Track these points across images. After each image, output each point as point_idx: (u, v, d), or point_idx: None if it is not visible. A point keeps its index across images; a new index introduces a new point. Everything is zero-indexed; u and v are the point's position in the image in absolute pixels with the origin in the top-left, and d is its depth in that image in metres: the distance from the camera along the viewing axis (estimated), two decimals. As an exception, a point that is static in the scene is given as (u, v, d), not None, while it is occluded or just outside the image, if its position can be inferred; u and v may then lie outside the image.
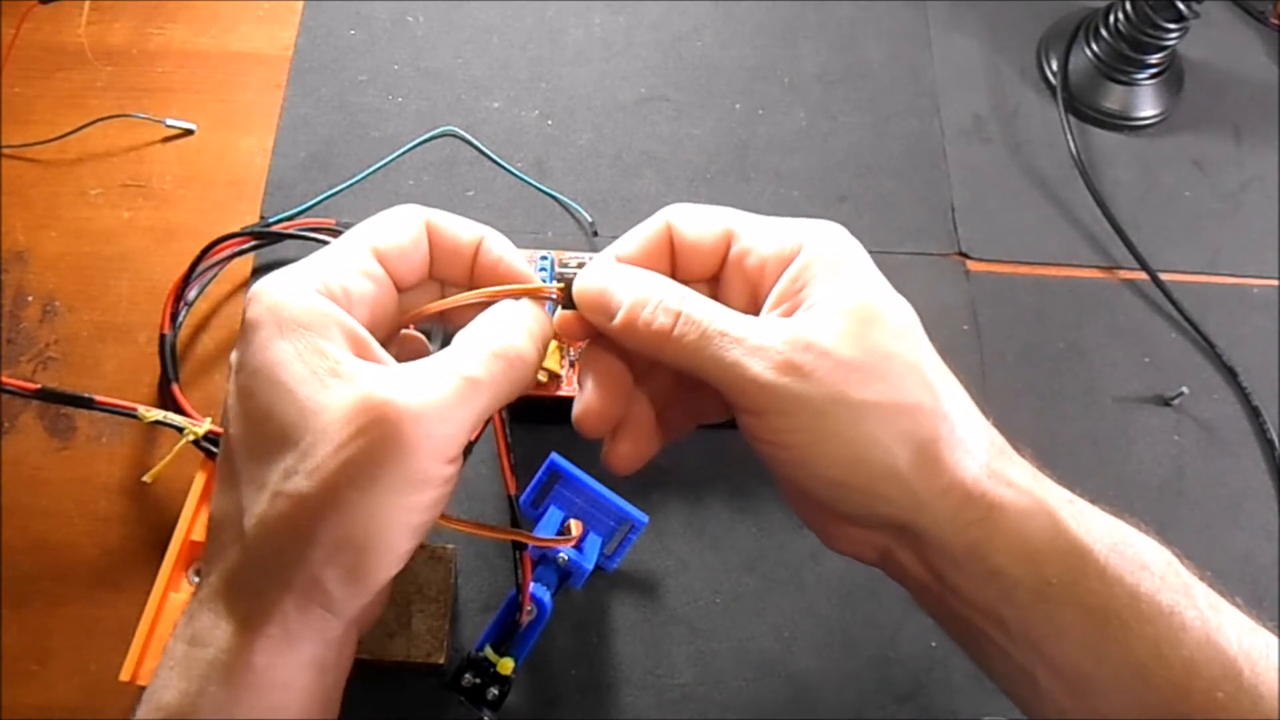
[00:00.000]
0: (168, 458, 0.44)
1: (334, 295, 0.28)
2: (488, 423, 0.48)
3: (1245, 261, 0.58)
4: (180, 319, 0.50)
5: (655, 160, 0.58)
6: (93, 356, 0.49)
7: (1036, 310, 0.55)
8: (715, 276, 0.32)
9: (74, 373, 0.49)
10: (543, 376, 0.46)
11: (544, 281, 0.41)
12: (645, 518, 0.42)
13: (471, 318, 0.30)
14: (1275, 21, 0.66)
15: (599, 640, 0.45)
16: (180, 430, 0.44)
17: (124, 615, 0.42)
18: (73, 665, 0.43)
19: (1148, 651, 0.28)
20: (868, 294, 0.30)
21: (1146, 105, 0.61)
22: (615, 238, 0.33)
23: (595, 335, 0.32)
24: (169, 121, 0.55)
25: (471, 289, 0.32)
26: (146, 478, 0.46)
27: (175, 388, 0.47)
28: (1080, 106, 0.62)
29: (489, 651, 0.39)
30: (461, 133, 0.57)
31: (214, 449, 0.44)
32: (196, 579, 0.43)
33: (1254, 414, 0.53)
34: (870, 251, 0.31)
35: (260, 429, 0.27)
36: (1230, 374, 0.54)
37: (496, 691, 0.39)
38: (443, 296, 0.32)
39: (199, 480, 0.44)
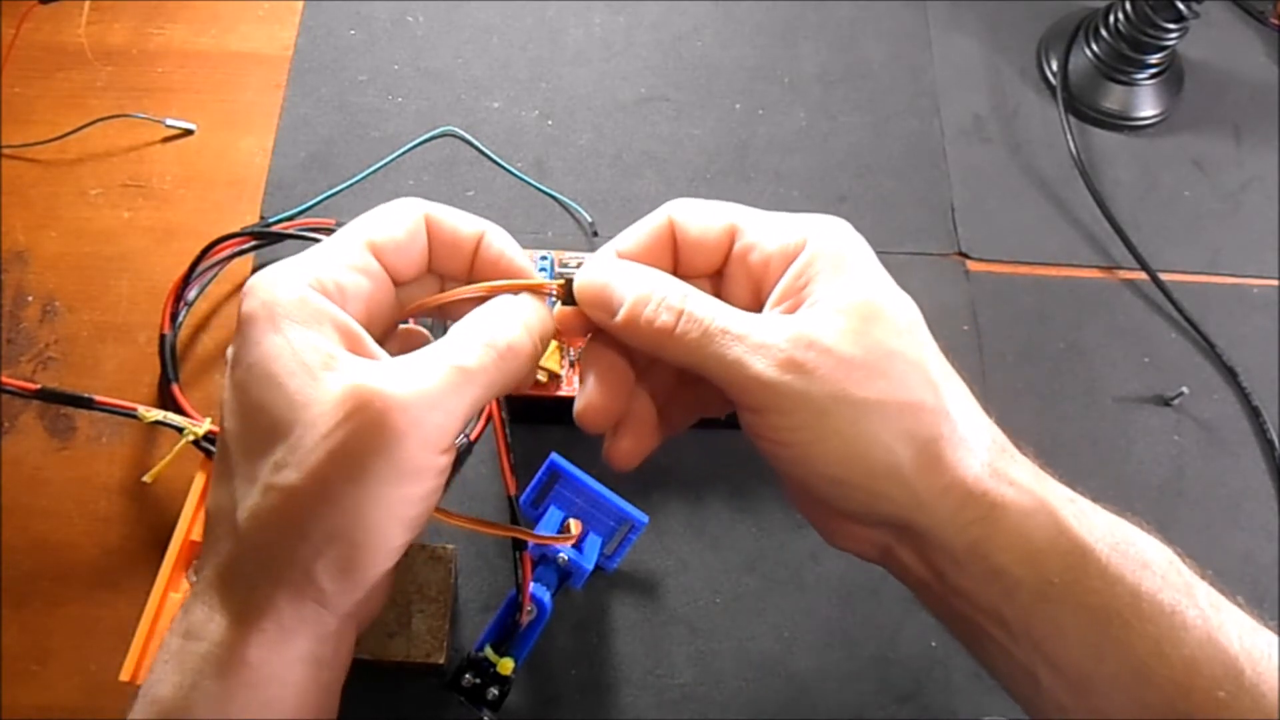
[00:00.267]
0: (168, 458, 0.44)
1: (327, 290, 0.28)
2: (488, 422, 0.48)
3: (1245, 261, 0.58)
4: (180, 319, 0.50)
5: (655, 160, 0.57)
6: (93, 356, 0.49)
7: (1036, 310, 0.55)
8: (718, 272, 0.32)
9: (74, 373, 0.49)
10: (542, 376, 0.46)
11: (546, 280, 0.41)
12: (645, 518, 0.42)
13: (469, 311, 0.30)
14: (1275, 21, 0.66)
15: (599, 640, 0.45)
16: (180, 430, 0.44)
17: (124, 615, 0.42)
18: (73, 665, 0.43)
19: (1149, 650, 0.28)
20: (870, 291, 0.29)
21: (1146, 105, 0.61)
22: (615, 237, 0.33)
23: (596, 331, 0.32)
24: (169, 121, 0.55)
25: (471, 284, 0.32)
26: (146, 478, 0.46)
27: (175, 388, 0.47)
28: (1080, 106, 0.62)
29: (489, 651, 0.39)
30: (461, 133, 0.57)
31: (214, 449, 0.44)
32: (195, 578, 0.43)
33: (1254, 414, 0.53)
34: (870, 252, 0.31)
35: (253, 423, 0.27)
36: (1230, 374, 0.54)
37: (496, 691, 0.39)
38: (442, 291, 0.32)
39: (199, 480, 0.44)
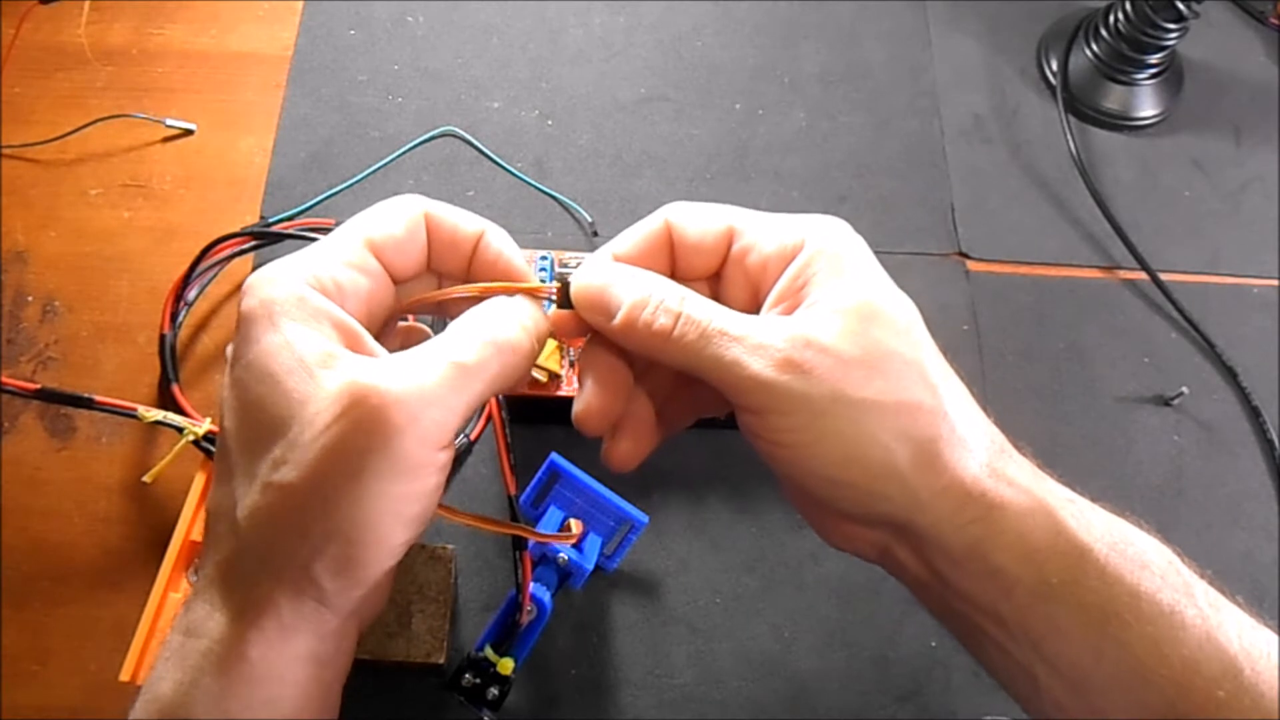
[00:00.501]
0: (168, 458, 0.44)
1: (326, 288, 0.28)
2: (488, 422, 0.48)
3: (1245, 261, 0.58)
4: (180, 319, 0.50)
5: (655, 160, 0.57)
6: (93, 356, 0.49)
7: (1036, 310, 0.55)
8: (716, 274, 0.32)
9: (74, 373, 0.49)
10: (543, 376, 0.46)
11: (543, 281, 0.41)
12: (645, 518, 0.42)
13: (466, 310, 0.30)
14: (1275, 21, 0.66)
15: (599, 640, 0.45)
16: (180, 430, 0.44)
17: (124, 615, 0.42)
18: (73, 665, 0.43)
19: (1148, 650, 0.28)
20: (869, 291, 0.29)
21: (1146, 105, 0.61)
22: (611, 241, 0.33)
23: (594, 333, 0.32)
24: (169, 121, 0.55)
25: (469, 284, 0.32)
26: (146, 478, 0.46)
27: (175, 388, 0.47)
28: (1080, 106, 0.62)
29: (489, 651, 0.39)
30: (461, 133, 0.57)
31: (214, 449, 0.44)
32: (196, 579, 0.43)
33: (1254, 414, 0.53)
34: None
35: (252, 421, 0.27)
36: (1230, 374, 0.54)
37: (496, 691, 0.39)
38: (440, 289, 0.32)
39: (199, 480, 0.44)
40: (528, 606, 0.38)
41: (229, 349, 0.28)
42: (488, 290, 0.31)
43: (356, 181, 0.54)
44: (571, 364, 0.46)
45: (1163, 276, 0.56)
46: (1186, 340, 0.55)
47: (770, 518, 0.48)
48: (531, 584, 0.39)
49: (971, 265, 0.56)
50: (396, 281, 0.31)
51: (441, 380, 0.27)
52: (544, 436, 0.45)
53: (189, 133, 0.56)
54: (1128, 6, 0.59)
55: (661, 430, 0.33)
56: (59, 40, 0.58)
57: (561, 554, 0.40)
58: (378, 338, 0.29)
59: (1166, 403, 0.53)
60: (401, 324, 0.33)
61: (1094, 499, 0.31)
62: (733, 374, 0.28)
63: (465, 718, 0.40)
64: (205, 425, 0.44)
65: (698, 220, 0.31)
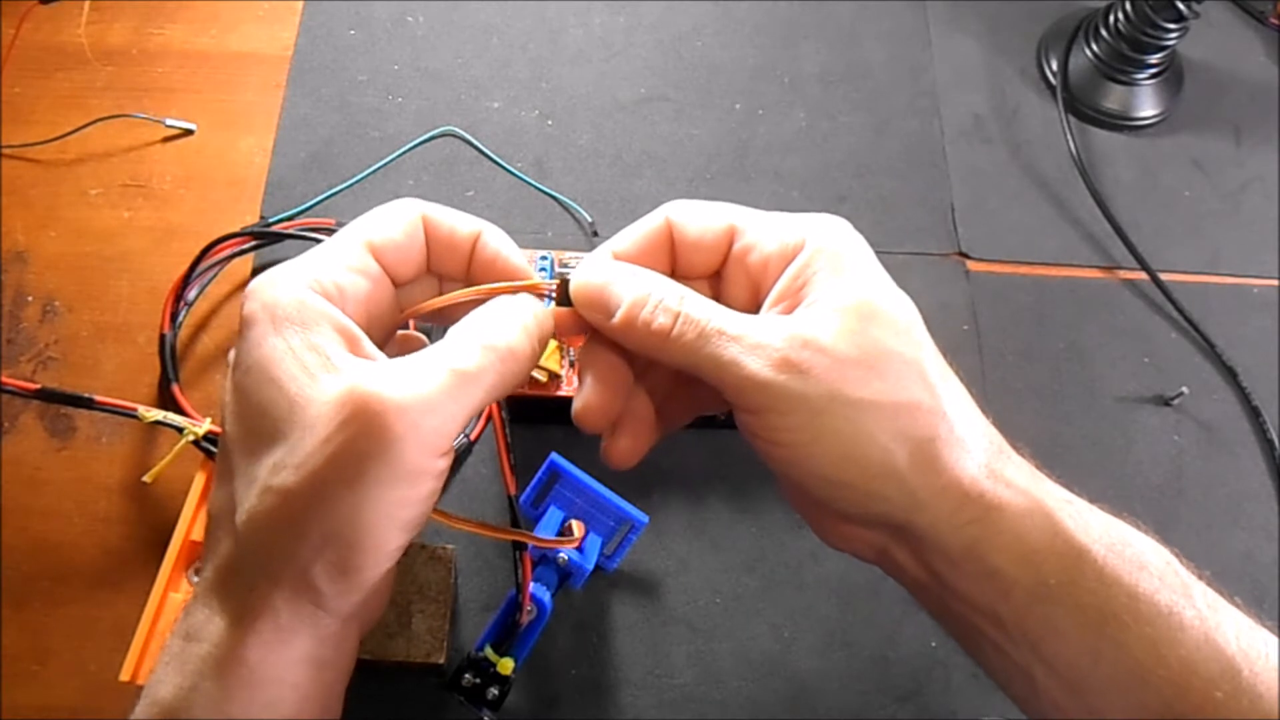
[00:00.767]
0: (168, 458, 0.44)
1: (327, 292, 0.28)
2: (488, 422, 0.48)
3: (1245, 261, 0.58)
4: (180, 319, 0.50)
5: (655, 160, 0.57)
6: (93, 356, 0.49)
7: (1036, 310, 0.55)
8: (717, 273, 0.32)
9: (74, 373, 0.49)
10: (542, 376, 0.46)
11: (543, 280, 0.41)
12: (645, 518, 0.42)
13: (468, 314, 0.30)
14: (1275, 21, 0.66)
15: (599, 640, 0.45)
16: (180, 430, 0.44)
17: (124, 615, 0.42)
18: (73, 665, 0.43)
19: (1146, 652, 0.28)
20: (868, 291, 0.29)
21: (1146, 105, 0.61)
22: (611, 238, 0.32)
23: (594, 331, 0.32)
24: (169, 121, 0.55)
25: (469, 284, 0.32)
26: (146, 478, 0.46)
27: (175, 388, 0.47)
28: (1080, 106, 0.62)
29: (489, 651, 0.39)
30: (461, 133, 0.57)
31: (214, 449, 0.44)
32: (196, 579, 0.43)
33: (1254, 414, 0.53)
34: (870, 252, 0.31)
35: (253, 424, 0.27)
36: (1230, 374, 0.54)
37: (496, 691, 0.39)
38: (440, 291, 0.32)
39: (199, 480, 0.44)
40: (528, 606, 0.38)
41: (231, 353, 0.28)
42: (490, 292, 0.31)
43: (356, 181, 0.54)
44: (571, 364, 0.46)
45: (1163, 276, 0.56)
46: (1186, 340, 0.55)
47: (770, 518, 0.48)
48: (531, 584, 0.39)
49: (971, 265, 0.56)
50: (397, 284, 0.31)
51: (442, 387, 0.27)
52: (544, 436, 0.45)
53: (189, 133, 0.56)
54: (1128, 6, 0.59)
55: (661, 428, 0.33)
56: (59, 40, 0.58)
57: (561, 554, 0.40)
58: (378, 341, 0.29)
59: (1166, 403, 0.53)
60: (399, 333, 0.33)
61: (1094, 499, 0.31)
62: (731, 373, 0.28)
63: (465, 718, 0.40)
64: (205, 425, 0.44)
65: (698, 219, 0.31)
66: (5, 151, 0.54)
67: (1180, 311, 0.55)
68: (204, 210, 0.54)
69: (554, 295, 0.31)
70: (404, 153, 0.56)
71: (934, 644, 0.46)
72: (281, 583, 0.26)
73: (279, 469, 0.26)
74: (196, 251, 0.49)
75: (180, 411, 0.45)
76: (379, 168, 0.55)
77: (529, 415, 0.47)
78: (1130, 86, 0.61)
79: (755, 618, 0.46)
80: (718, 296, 0.32)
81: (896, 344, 0.29)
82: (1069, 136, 0.59)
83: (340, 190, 0.54)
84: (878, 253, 0.31)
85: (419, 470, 0.26)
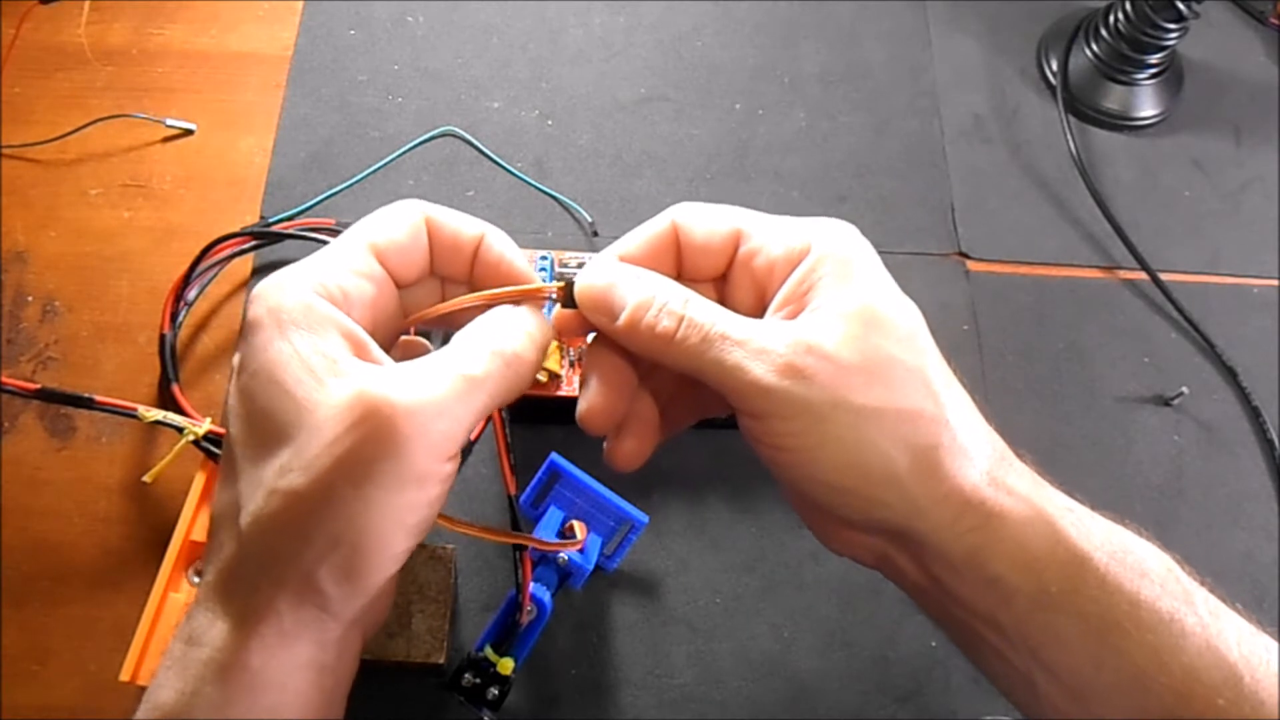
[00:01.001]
0: (168, 458, 0.44)
1: (331, 296, 0.28)
2: (488, 422, 0.48)
3: (1245, 261, 0.58)
4: (180, 319, 0.50)
5: (655, 160, 0.58)
6: (93, 356, 0.49)
7: (1036, 310, 0.55)
8: (722, 276, 0.32)
9: (74, 373, 0.49)
10: (542, 376, 0.46)
11: (544, 281, 0.41)
12: (645, 518, 0.42)
13: (472, 319, 0.30)
14: (1275, 21, 0.66)
15: (599, 640, 0.45)
16: (180, 430, 0.44)
17: (124, 615, 0.42)
18: (73, 665, 0.43)
19: (1148, 659, 0.28)
20: (872, 297, 0.29)
21: (1146, 105, 0.61)
22: (615, 238, 0.33)
23: (599, 333, 0.32)
24: (169, 121, 0.55)
25: (472, 286, 0.32)
26: (146, 478, 0.46)
27: (175, 388, 0.47)
28: (1080, 106, 0.62)
29: (489, 651, 0.39)
30: (461, 133, 0.57)
31: (214, 449, 0.44)
32: (196, 579, 0.43)
33: (1254, 414, 0.53)
34: (869, 252, 0.31)
35: (259, 428, 0.27)
36: (1230, 374, 0.54)
37: (496, 691, 0.39)
38: (444, 294, 0.32)
39: (199, 480, 0.44)
40: (528, 606, 0.38)
41: (235, 358, 0.28)
42: (495, 298, 0.31)
43: (356, 181, 0.54)
44: (572, 364, 0.46)
45: (1163, 276, 0.56)
46: (1186, 340, 0.55)
47: (770, 518, 0.48)
48: (531, 584, 0.39)
49: (971, 265, 0.56)
50: (400, 286, 0.31)
51: (450, 392, 0.27)
52: (544, 436, 0.45)
53: (189, 133, 0.56)
54: (1128, 6, 0.59)
55: (665, 430, 0.33)
56: (59, 40, 0.58)
57: (562, 554, 0.40)
58: (383, 344, 0.29)
59: (1166, 403, 0.53)
60: (404, 339, 0.33)
61: (1094, 499, 0.31)
62: (734, 378, 0.28)
63: (465, 718, 0.40)
64: (205, 425, 0.44)
65: (705, 222, 0.31)
66: (5, 151, 0.54)
67: (1180, 311, 0.55)
68: (204, 210, 0.54)
69: (558, 298, 0.31)
70: (404, 153, 0.56)
71: (934, 644, 0.46)
72: (285, 586, 0.26)
73: (285, 471, 0.26)
74: (196, 251, 0.49)
75: (180, 411, 0.45)
76: (379, 168, 0.55)
77: (529, 415, 0.47)
78: (1130, 86, 0.61)
79: (755, 618, 0.46)
80: (723, 300, 0.32)
81: (900, 351, 0.29)
82: (1069, 136, 0.59)
83: (340, 190, 0.54)
84: (878, 252, 0.31)
85: (426, 474, 0.26)
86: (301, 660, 0.27)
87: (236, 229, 0.51)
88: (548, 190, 0.55)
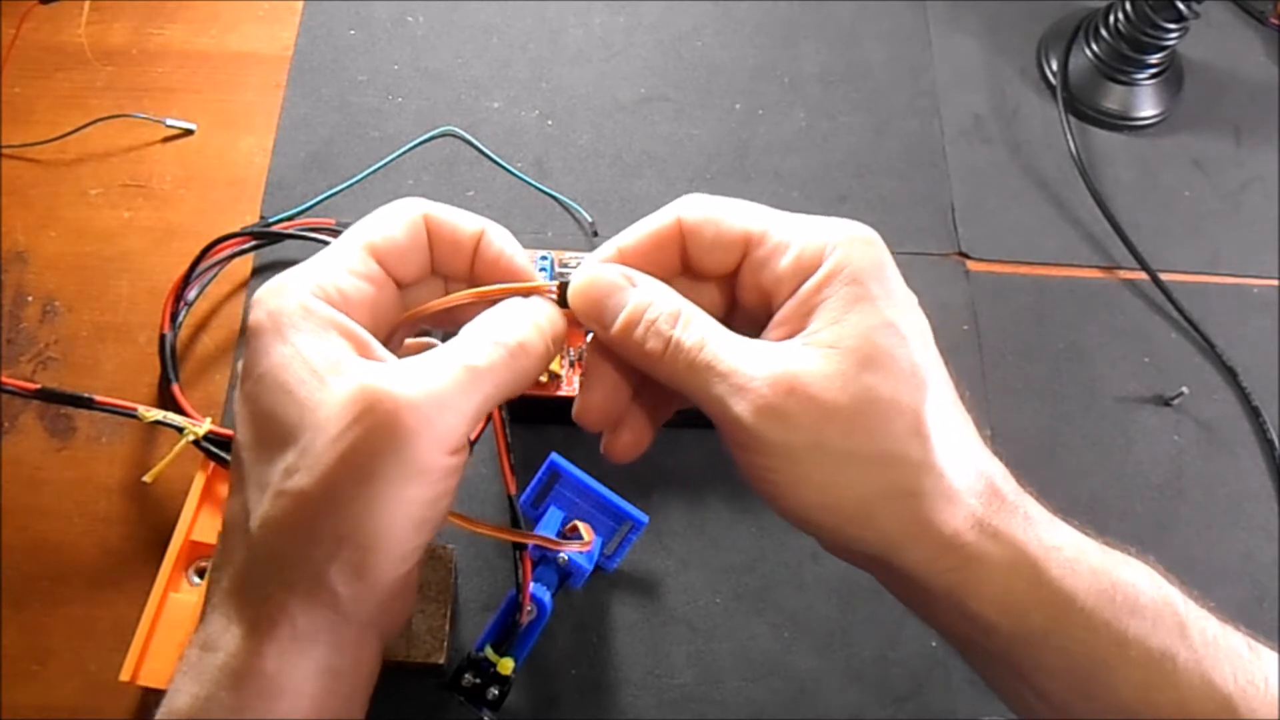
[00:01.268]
0: (168, 458, 0.44)
1: (330, 298, 0.28)
2: (487, 422, 0.48)
3: (1245, 261, 0.58)
4: (180, 319, 0.50)
5: (655, 160, 0.57)
6: (93, 356, 0.49)
7: (1036, 310, 0.55)
8: (732, 273, 0.31)
9: (74, 373, 0.49)
10: (543, 376, 0.46)
11: (545, 280, 0.41)
12: (645, 518, 0.42)
13: (475, 315, 0.30)
14: (1275, 21, 0.66)
15: (599, 640, 0.45)
16: (180, 430, 0.44)
17: (124, 615, 0.42)
18: (73, 665, 0.43)
19: (1135, 695, 0.28)
20: (876, 329, 0.28)
21: (1146, 105, 0.61)
22: (620, 234, 0.32)
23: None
24: (169, 121, 0.55)
25: (472, 283, 0.31)
26: (146, 478, 0.46)
27: (175, 388, 0.47)
28: (1080, 106, 0.62)
29: (489, 651, 0.39)
30: (461, 133, 0.57)
31: (214, 449, 0.44)
32: (197, 579, 0.43)
33: (1254, 414, 0.53)
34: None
35: (264, 431, 0.27)
36: (1230, 374, 0.54)
37: (496, 691, 0.39)
38: (446, 292, 0.32)
39: (199, 480, 0.44)
40: (528, 606, 0.38)
41: (239, 364, 0.28)
42: (490, 294, 0.30)
43: (356, 181, 0.54)
44: (571, 364, 0.46)
45: (1163, 276, 0.56)
46: (1186, 340, 0.55)
47: (770, 518, 0.48)
48: (531, 584, 0.39)
49: (971, 265, 0.56)
50: (401, 286, 0.31)
51: (453, 383, 0.26)
52: (544, 436, 0.45)
53: (189, 133, 0.56)
54: (1128, 6, 0.59)
55: (661, 414, 0.33)
56: (59, 40, 0.58)
57: (562, 554, 0.40)
58: (386, 344, 0.29)
59: (1166, 403, 0.53)
60: (409, 340, 0.33)
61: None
62: (715, 409, 0.28)
63: (465, 718, 0.40)
64: (205, 425, 0.44)
65: (713, 224, 0.30)
66: (5, 151, 0.54)
67: (1180, 311, 0.55)
68: (204, 210, 0.54)
69: (555, 297, 0.31)
70: (404, 153, 0.56)
71: (934, 644, 0.46)
72: (297, 588, 0.26)
73: (290, 472, 0.26)
74: (196, 251, 0.49)
75: (180, 411, 0.45)
76: (379, 168, 0.55)
77: (529, 415, 0.47)
78: (1130, 86, 0.61)
79: (755, 618, 0.46)
80: (732, 296, 0.31)
81: (894, 391, 0.28)
82: (1069, 136, 0.59)
83: (340, 190, 0.54)
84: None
85: (432, 466, 0.26)
86: (317, 665, 0.27)
87: (236, 229, 0.51)
88: (548, 190, 0.55)
